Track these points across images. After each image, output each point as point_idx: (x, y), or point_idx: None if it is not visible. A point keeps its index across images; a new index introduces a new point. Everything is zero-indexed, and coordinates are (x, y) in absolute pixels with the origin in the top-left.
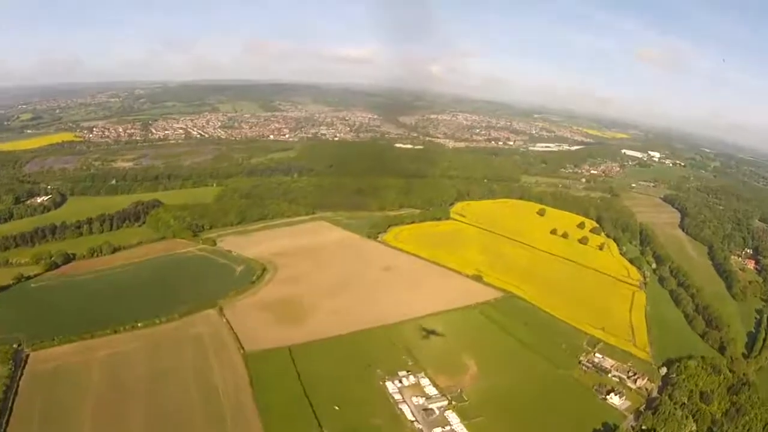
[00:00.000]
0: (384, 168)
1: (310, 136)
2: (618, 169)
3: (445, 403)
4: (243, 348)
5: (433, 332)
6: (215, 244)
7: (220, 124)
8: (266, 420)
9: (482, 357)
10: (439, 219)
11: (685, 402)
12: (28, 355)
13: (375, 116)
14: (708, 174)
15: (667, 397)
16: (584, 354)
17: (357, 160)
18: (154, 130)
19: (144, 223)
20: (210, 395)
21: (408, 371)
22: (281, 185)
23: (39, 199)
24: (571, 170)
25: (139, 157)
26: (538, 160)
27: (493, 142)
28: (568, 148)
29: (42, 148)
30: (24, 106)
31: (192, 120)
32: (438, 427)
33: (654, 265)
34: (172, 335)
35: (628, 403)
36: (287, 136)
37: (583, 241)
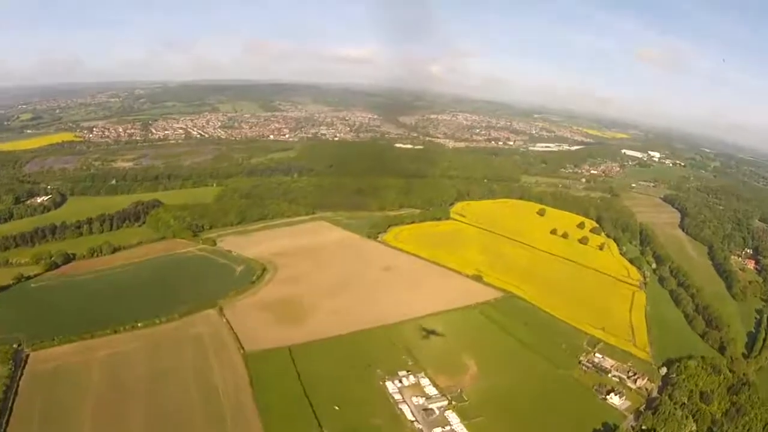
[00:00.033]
0: (384, 168)
1: (310, 136)
2: (618, 169)
3: (445, 403)
4: (243, 348)
5: (433, 332)
6: (215, 244)
7: (220, 124)
8: (266, 420)
9: (482, 357)
10: (439, 219)
11: (685, 402)
12: (28, 355)
13: (375, 116)
14: (708, 174)
15: (667, 397)
16: (584, 354)
17: (357, 160)
18: (154, 130)
19: (144, 223)
20: (210, 395)
21: (408, 371)
22: (281, 185)
23: (39, 199)
24: (571, 170)
25: (139, 157)
26: (538, 160)
27: (493, 142)
28: (568, 148)
29: (42, 148)
30: (24, 106)
31: (192, 120)
32: (438, 427)
33: (654, 265)
34: (172, 335)
35: (628, 403)
36: (287, 136)
37: (583, 241)
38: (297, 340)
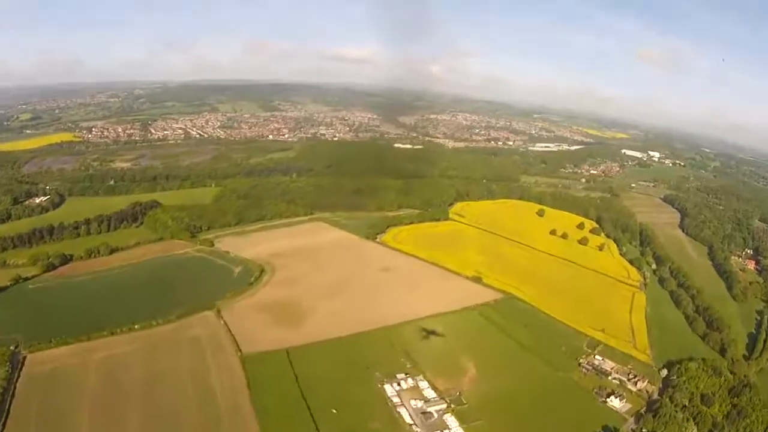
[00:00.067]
0: (383, 168)
1: (309, 136)
2: (618, 169)
3: (444, 406)
4: (240, 350)
5: (433, 332)
6: (213, 245)
7: (219, 124)
8: (263, 423)
9: (481, 359)
10: (438, 219)
11: (686, 404)
12: (25, 357)
13: (374, 116)
14: (708, 174)
15: (667, 400)
16: (584, 356)
17: (356, 161)
18: (153, 131)
19: (142, 223)
20: (207, 398)
21: (406, 374)
22: (279, 185)
23: (37, 200)
24: (570, 170)
25: (138, 157)
26: (538, 160)
27: (492, 142)
28: (567, 148)
29: (41, 149)
30: (24, 106)
31: (191, 120)
32: (437, 430)
33: (654, 266)
34: (169, 337)
35: (628, 406)
36: (286, 136)
37: (582, 241)
38: (295, 342)
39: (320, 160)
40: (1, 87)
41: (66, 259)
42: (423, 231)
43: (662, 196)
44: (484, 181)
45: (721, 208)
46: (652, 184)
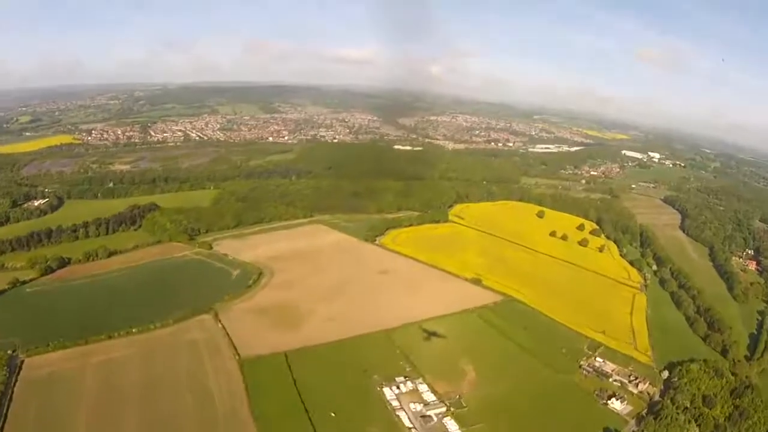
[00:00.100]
0: (382, 170)
1: (309, 138)
2: (618, 170)
3: (444, 409)
4: (238, 354)
5: (434, 333)
6: (211, 247)
7: (219, 126)
8: (261, 427)
9: (481, 362)
10: (437, 221)
11: (688, 406)
12: (22, 361)
13: (374, 118)
14: (708, 174)
15: (669, 402)
16: (585, 358)
17: (355, 162)
18: (152, 133)
19: (140, 226)
20: (204, 402)
21: (406, 377)
22: (278, 188)
23: (36, 203)
24: (570, 171)
25: (137, 159)
26: (538, 161)
27: (492, 143)
28: (567, 149)
29: (40, 151)
30: (23, 109)
31: (191, 122)
32: None
33: (654, 267)
34: (166, 341)
35: (629, 408)
36: (286, 138)
37: (583, 243)
38: (293, 345)
39: (320, 162)
40: (1, 89)
41: (64, 263)
42: (422, 233)
43: (662, 197)
44: (484, 182)
45: (721, 208)
46: (652, 185)
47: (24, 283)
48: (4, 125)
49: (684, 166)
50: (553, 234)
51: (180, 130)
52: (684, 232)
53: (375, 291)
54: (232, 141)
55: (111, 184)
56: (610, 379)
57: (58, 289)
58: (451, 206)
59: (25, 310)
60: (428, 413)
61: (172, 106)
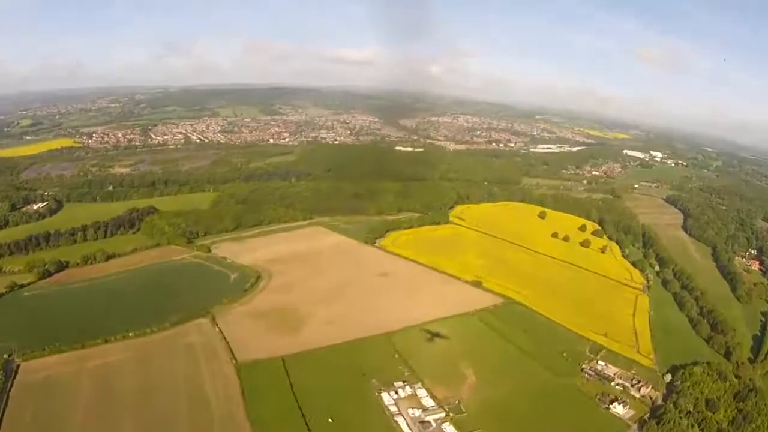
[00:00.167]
0: (383, 171)
1: (309, 139)
2: (620, 169)
3: (443, 414)
4: (235, 358)
5: (437, 334)
6: (210, 250)
7: (220, 128)
8: None
9: (481, 366)
10: (438, 223)
11: (691, 410)
12: (18, 365)
13: (375, 119)
14: (710, 174)
15: (671, 406)
16: (587, 361)
17: (356, 164)
18: (153, 135)
19: (139, 229)
20: (201, 406)
21: (404, 381)
22: (278, 190)
23: (35, 206)
24: (572, 171)
25: (137, 162)
26: (540, 161)
27: (494, 144)
28: (569, 149)
29: (41, 155)
30: (24, 112)
31: (192, 125)
32: None
33: (657, 268)
34: (163, 345)
35: (631, 413)
36: (287, 139)
37: (584, 244)
38: (291, 349)
39: (320, 164)
40: (1, 93)
41: (62, 266)
42: (423, 235)
43: (665, 197)
44: (485, 183)
45: (724, 208)
46: (654, 185)
47: (22, 286)
48: (5, 129)
49: (686, 166)
50: (554, 235)
51: (181, 133)
52: (686, 232)
53: (374, 294)
54: (232, 143)
55: (110, 188)
56: (612, 383)
57: (55, 292)
58: (451, 207)
59: (23, 314)
60: (427, 419)
61: (173, 109)
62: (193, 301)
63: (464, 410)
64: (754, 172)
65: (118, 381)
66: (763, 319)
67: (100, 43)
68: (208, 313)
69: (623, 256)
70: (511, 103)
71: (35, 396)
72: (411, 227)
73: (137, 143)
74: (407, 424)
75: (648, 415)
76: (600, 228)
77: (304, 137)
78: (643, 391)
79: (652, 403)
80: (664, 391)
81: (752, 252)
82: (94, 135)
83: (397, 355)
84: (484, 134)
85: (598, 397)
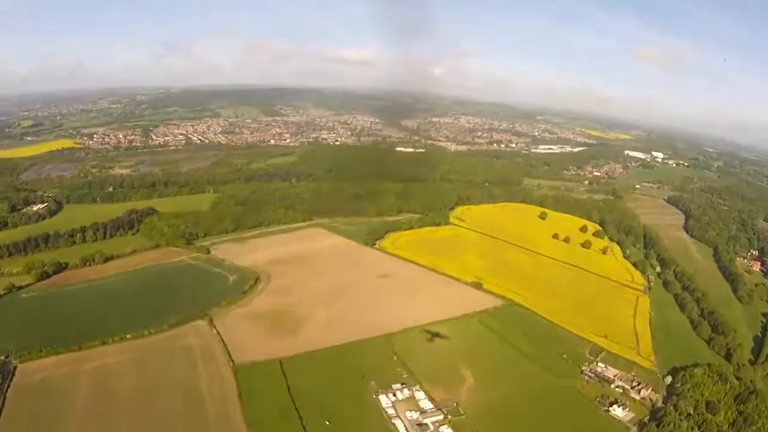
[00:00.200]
0: (383, 172)
1: (310, 140)
2: (621, 170)
3: (441, 417)
4: (233, 360)
5: (437, 334)
6: (209, 252)
7: (220, 129)
8: None
9: (480, 368)
10: (438, 224)
11: (691, 412)
12: (15, 367)
13: (377, 120)
14: (712, 174)
15: (672, 408)
16: (587, 363)
17: (356, 165)
18: (154, 136)
19: (138, 231)
20: (197, 408)
21: (402, 384)
22: (278, 191)
23: (35, 207)
24: (573, 172)
25: (137, 163)
26: (541, 162)
27: (495, 144)
28: (570, 149)
29: (41, 156)
30: (25, 113)
31: (193, 126)
32: None
33: (658, 269)
34: (161, 347)
35: (631, 415)
36: (288, 140)
37: (585, 245)
38: (288, 351)
39: (321, 165)
40: (2, 94)
41: (60, 268)
42: (423, 236)
43: (666, 198)
44: (486, 184)
45: (725, 208)
46: (655, 186)
47: (20, 288)
48: (6, 130)
49: (687, 166)
50: (555, 236)
51: (182, 134)
52: (688, 232)
53: (374, 295)
54: (233, 144)
55: (110, 189)
56: (612, 385)
57: (54, 294)
58: (452, 208)
59: (20, 316)
60: (425, 421)
61: (174, 110)
62: (191, 303)
63: (462, 413)
64: (755, 173)
65: (116, 383)
66: (764, 320)
67: (100, 43)
68: (206, 315)
69: (624, 257)
70: (511, 104)
71: (32, 398)
72: (411, 228)
73: (138, 144)
74: (405, 426)
75: (648, 417)
76: (601, 229)
77: (305, 138)
78: (643, 393)
79: (652, 406)
80: (665, 393)
81: (753, 253)
82: (94, 136)
83: (395, 357)
84: (485, 135)
85: (597, 399)
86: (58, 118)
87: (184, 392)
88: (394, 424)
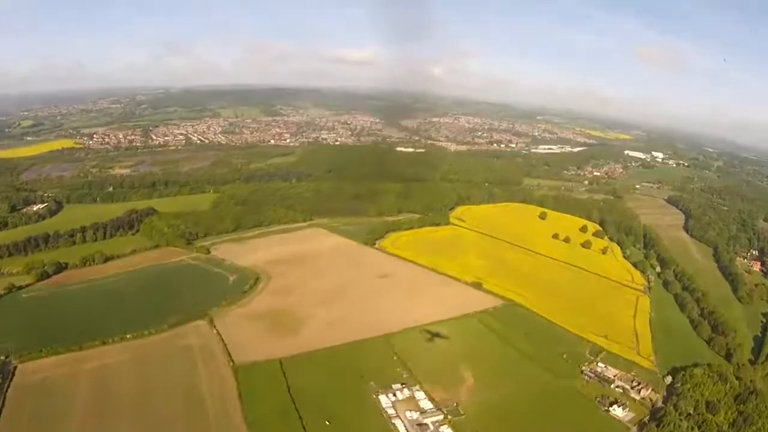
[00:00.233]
0: (384, 172)
1: (310, 140)
2: (621, 170)
3: (441, 417)
4: (233, 360)
5: (437, 334)
6: (209, 252)
7: (220, 129)
8: None
9: (480, 368)
10: (438, 224)
11: (691, 412)
12: (15, 367)
13: (377, 120)
14: (712, 174)
15: (672, 408)
16: (587, 363)
17: (356, 165)
18: (154, 136)
19: (138, 231)
20: (197, 409)
21: (402, 384)
22: (278, 191)
23: (35, 207)
24: (573, 172)
25: (137, 163)
26: (541, 162)
27: (495, 144)
28: (570, 149)
29: (41, 156)
30: (25, 113)
31: (193, 126)
32: None
33: (658, 269)
34: (161, 347)
35: (631, 415)
36: (288, 140)
37: (585, 245)
38: (288, 351)
39: (321, 165)
40: (2, 94)
41: (60, 268)
42: (423, 236)
43: (666, 198)
44: (486, 184)
45: (725, 208)
46: (655, 186)
47: (20, 288)
48: (6, 129)
49: (687, 166)
50: (555, 236)
51: (182, 134)
52: (688, 232)
53: (374, 295)
54: (233, 144)
55: (110, 189)
56: (612, 385)
57: (54, 294)
58: (452, 208)
59: (21, 316)
60: (425, 421)
61: (174, 110)
62: (191, 303)
63: (462, 413)
64: (755, 173)
65: (116, 383)
66: (764, 320)
67: (100, 43)
68: (207, 315)
69: (624, 257)
70: (511, 104)
71: (32, 398)
72: (411, 228)
73: (138, 144)
74: (405, 426)
75: (648, 417)
76: (601, 229)
77: (305, 138)
78: (643, 393)
79: (652, 406)
80: (665, 394)
81: (754, 253)
82: (94, 136)
83: (395, 357)
84: (485, 135)
85: (597, 399)
86: (58, 118)
87: (184, 392)
88: (394, 424)
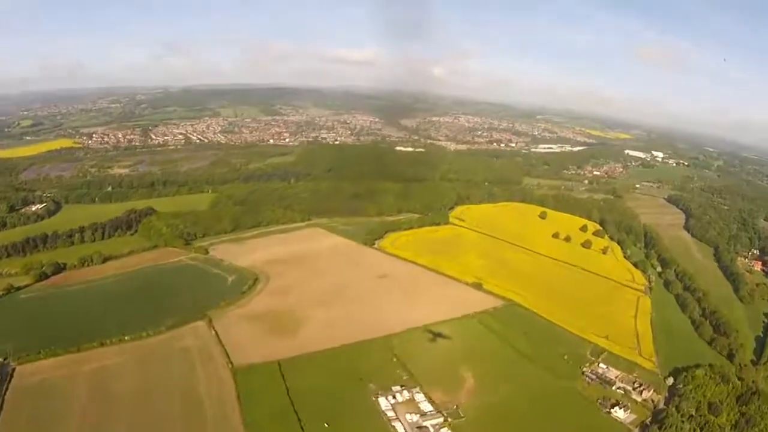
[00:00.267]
0: (383, 172)
1: (310, 140)
2: (621, 169)
3: (441, 420)
4: (231, 362)
5: (439, 334)
6: (207, 252)
7: (220, 129)
8: None
9: (480, 369)
10: (438, 224)
11: (693, 414)
12: (14, 369)
13: (376, 119)
14: (712, 173)
15: (674, 409)
16: (588, 364)
17: (356, 164)
18: (153, 136)
19: (136, 231)
20: (196, 410)
21: (402, 386)
22: (277, 191)
23: (33, 208)
24: (573, 171)
25: (136, 163)
26: (541, 161)
27: (495, 144)
28: (570, 149)
29: (40, 155)
30: (25, 113)
31: (192, 125)
32: None
33: (659, 269)
34: (159, 348)
35: (633, 417)
36: (287, 140)
37: (586, 244)
38: (287, 353)
39: (320, 165)
40: (2, 94)
41: (59, 268)
42: (422, 236)
43: (666, 197)
44: (486, 183)
45: (726, 208)
46: (656, 185)
47: (18, 289)
48: (5, 129)
49: (687, 165)
50: (555, 236)
51: (181, 133)
52: (688, 232)
53: (372, 296)
54: (232, 144)
55: (109, 188)
56: (614, 387)
57: (52, 295)
58: (451, 208)
59: (19, 317)
60: (424, 424)
61: (173, 109)
62: (189, 304)
63: (462, 415)
64: (755, 172)
65: (114, 385)
66: (766, 321)
67: (100, 43)
68: (205, 316)
69: (625, 256)
70: (511, 103)
71: (31, 400)
72: (411, 228)
73: (137, 144)
74: (405, 429)
75: (650, 419)
76: (601, 228)
77: (305, 137)
78: (645, 394)
79: (654, 407)
80: (666, 395)
81: (755, 252)
82: (94, 135)
83: (395, 359)
84: (485, 134)
85: (599, 401)
86: (57, 117)
87: (183, 394)
88: (394, 426)
